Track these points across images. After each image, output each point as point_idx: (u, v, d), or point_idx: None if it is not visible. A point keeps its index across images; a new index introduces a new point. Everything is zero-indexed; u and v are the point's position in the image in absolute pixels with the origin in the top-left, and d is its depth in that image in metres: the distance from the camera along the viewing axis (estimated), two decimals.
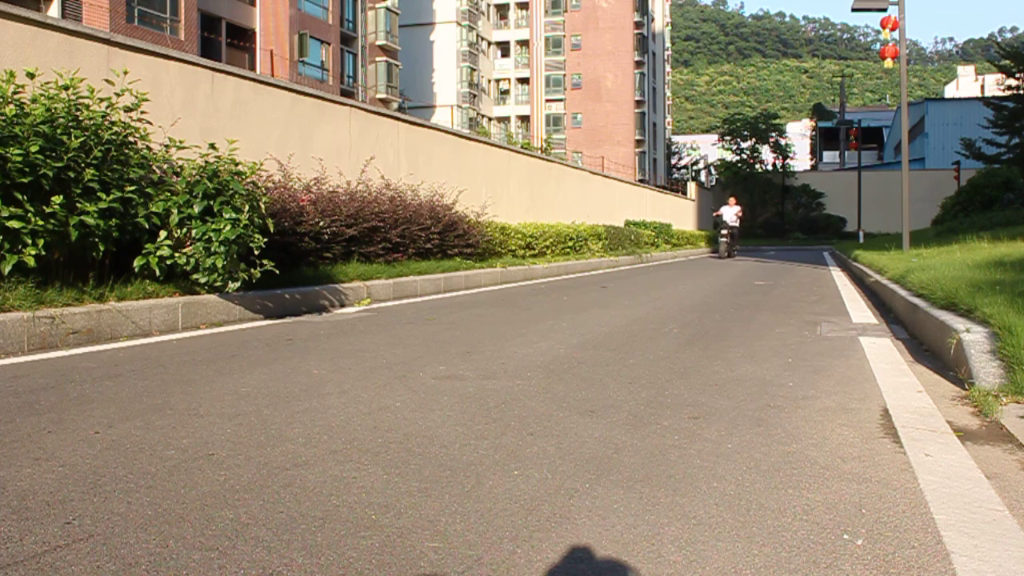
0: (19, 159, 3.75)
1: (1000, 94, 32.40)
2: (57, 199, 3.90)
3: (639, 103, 55.55)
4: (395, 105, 36.17)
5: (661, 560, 1.34)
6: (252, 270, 4.82)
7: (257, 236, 4.73)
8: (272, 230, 5.05)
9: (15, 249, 3.82)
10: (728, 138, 47.64)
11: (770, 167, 47.01)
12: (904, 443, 2.06)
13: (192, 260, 4.55)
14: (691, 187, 36.75)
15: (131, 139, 4.59)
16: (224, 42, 27.48)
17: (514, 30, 57.43)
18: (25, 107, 4.04)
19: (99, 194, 4.16)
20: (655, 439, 2.10)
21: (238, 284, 4.74)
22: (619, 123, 55.27)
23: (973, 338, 2.88)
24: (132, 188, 4.39)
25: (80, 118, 4.22)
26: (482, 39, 52.86)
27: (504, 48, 57.72)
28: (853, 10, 12.37)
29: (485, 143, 13.60)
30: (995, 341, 2.78)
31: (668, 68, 72.18)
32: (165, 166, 4.87)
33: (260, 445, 2.02)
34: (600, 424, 2.26)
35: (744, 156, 46.83)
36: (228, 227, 4.52)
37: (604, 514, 1.55)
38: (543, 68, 56.57)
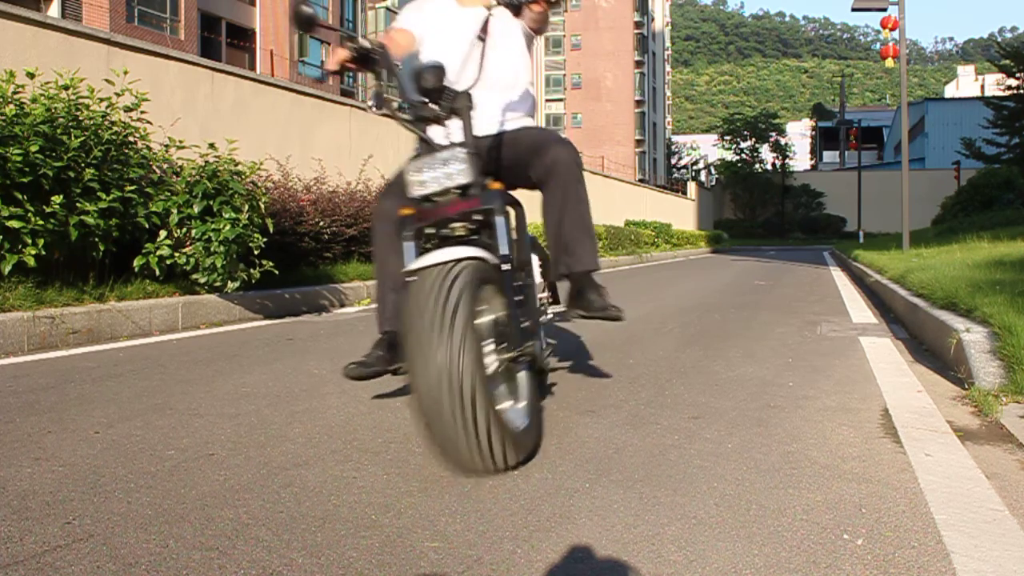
0: (19, 159, 3.75)
1: (1000, 94, 32.39)
2: (57, 199, 3.91)
3: (639, 103, 55.55)
4: (395, 105, 36.16)
5: (661, 560, 1.33)
6: (252, 270, 4.82)
7: (257, 236, 4.74)
8: (272, 230, 5.05)
9: (15, 249, 3.82)
10: (728, 138, 47.65)
11: (770, 167, 47.04)
12: (904, 443, 2.06)
13: (192, 260, 4.55)
14: (691, 187, 36.77)
15: (131, 139, 4.60)
16: (224, 42, 27.48)
17: None
18: (25, 107, 4.04)
19: (99, 194, 4.16)
20: (655, 439, 2.10)
21: (238, 284, 4.74)
22: (619, 123, 55.28)
23: (973, 338, 2.88)
24: (132, 188, 4.39)
25: (80, 118, 4.22)
26: None
27: None
28: (853, 10, 12.38)
29: None
30: (995, 341, 2.78)
31: (668, 68, 72.20)
32: (165, 166, 4.87)
33: (260, 445, 2.02)
34: (600, 424, 2.26)
35: (744, 156, 46.85)
36: (228, 227, 4.52)
37: (604, 514, 1.54)
38: (543, 68, 56.55)
